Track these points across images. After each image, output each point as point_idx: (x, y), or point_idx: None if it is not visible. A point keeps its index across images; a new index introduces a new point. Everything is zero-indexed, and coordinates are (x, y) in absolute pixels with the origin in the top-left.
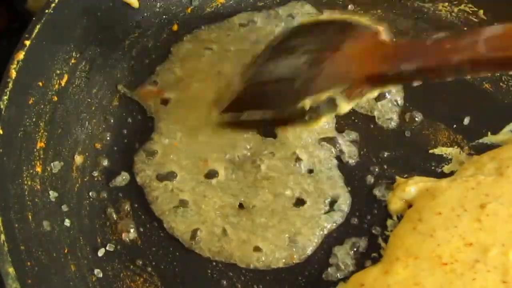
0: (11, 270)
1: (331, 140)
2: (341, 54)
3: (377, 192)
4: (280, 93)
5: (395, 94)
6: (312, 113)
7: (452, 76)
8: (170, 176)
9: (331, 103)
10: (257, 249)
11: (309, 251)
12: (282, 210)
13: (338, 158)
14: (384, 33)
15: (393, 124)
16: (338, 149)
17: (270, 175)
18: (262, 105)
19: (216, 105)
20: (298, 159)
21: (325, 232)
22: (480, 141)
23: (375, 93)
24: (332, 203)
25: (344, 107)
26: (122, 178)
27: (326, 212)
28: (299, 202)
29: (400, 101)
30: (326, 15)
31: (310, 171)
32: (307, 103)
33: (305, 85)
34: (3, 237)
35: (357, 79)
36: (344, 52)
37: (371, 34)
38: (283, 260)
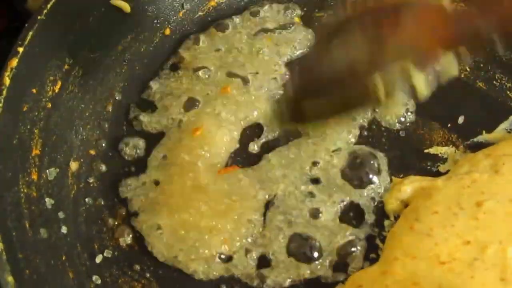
0: (10, 279)
1: None
2: (404, 26)
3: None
4: (346, 77)
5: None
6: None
7: None
8: None
9: (405, 77)
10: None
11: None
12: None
13: None
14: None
15: (388, 124)
16: None
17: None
18: (330, 92)
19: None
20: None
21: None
22: (475, 139)
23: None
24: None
25: (419, 77)
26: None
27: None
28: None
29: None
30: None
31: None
32: (377, 80)
33: (371, 64)
34: (1, 245)
35: (425, 45)
36: (407, 24)
37: (432, 6)
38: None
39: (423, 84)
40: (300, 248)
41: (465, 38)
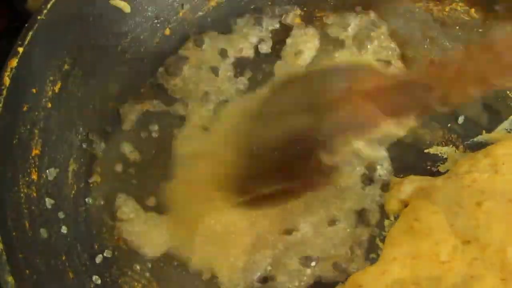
0: (10, 279)
1: None
2: (349, 100)
3: None
4: (294, 156)
5: None
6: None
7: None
8: None
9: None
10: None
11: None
12: None
13: None
14: (393, 68)
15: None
16: None
17: None
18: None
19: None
20: None
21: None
22: (475, 139)
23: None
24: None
25: (359, 144)
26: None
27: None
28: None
29: None
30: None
31: None
32: (326, 159)
33: (318, 142)
34: (1, 246)
35: (371, 119)
36: (352, 97)
37: (378, 73)
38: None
39: (367, 149)
40: (301, 248)
41: (406, 106)
